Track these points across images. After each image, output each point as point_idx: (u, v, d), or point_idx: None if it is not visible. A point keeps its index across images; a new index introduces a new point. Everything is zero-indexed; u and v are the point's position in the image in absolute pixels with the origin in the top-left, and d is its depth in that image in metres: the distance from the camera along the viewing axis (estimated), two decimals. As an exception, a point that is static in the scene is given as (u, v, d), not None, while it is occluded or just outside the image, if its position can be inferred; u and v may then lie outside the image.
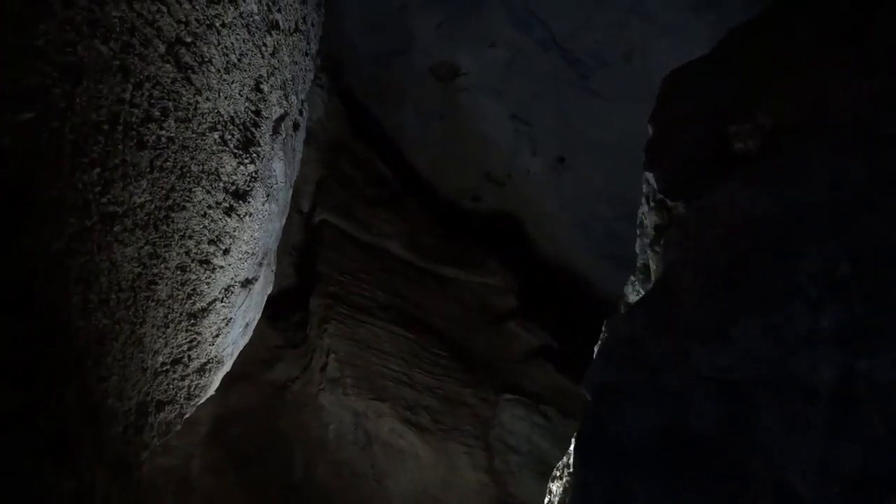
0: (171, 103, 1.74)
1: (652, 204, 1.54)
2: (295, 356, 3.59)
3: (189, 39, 1.78)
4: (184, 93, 1.79)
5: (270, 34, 2.28)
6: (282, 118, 2.46)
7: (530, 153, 4.75)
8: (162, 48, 1.68)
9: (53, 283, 1.39)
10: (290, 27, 2.48)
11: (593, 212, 4.69)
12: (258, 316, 2.57)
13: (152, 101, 1.67)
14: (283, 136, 2.50)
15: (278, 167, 2.49)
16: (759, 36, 1.65)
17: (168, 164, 1.76)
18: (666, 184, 1.48)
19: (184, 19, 1.74)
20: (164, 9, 1.65)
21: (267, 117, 2.29)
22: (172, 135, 1.76)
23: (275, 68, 2.34)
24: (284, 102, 2.47)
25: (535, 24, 4.61)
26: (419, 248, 4.12)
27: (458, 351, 3.71)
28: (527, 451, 3.39)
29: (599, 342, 1.49)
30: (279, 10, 2.36)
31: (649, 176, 1.57)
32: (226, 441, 3.13)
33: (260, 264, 2.40)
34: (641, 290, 1.61)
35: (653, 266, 1.53)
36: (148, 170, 1.68)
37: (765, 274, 1.11)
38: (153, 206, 1.72)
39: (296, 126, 2.68)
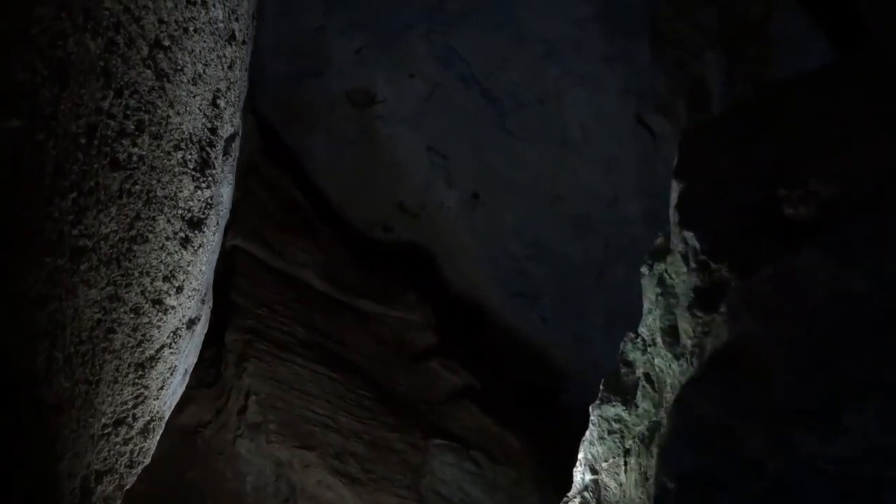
0: (146, 116, 1.43)
1: (693, 265, 1.46)
2: (207, 397, 3.17)
3: (167, 43, 1.48)
4: (159, 104, 1.48)
5: (230, 45, 1.99)
6: (232, 137, 2.15)
7: (446, 186, 4.64)
8: (145, 50, 1.37)
9: (23, 342, 1.04)
10: (242, 38, 2.19)
11: (505, 249, 4.66)
12: (195, 360, 2.21)
13: (128, 111, 1.36)
14: (232, 157, 2.19)
15: (226, 192, 2.17)
16: (801, 95, 1.64)
17: (136, 187, 1.44)
18: (708, 245, 1.41)
19: (165, 19, 1.44)
20: (150, 4, 1.35)
21: (221, 136, 1.98)
22: (144, 153, 1.44)
23: (231, 82, 2.04)
24: (235, 120, 2.17)
25: (456, 60, 4.54)
26: (335, 279, 3.86)
27: (381, 391, 3.47)
28: (459, 501, 3.21)
29: (669, 415, 1.35)
30: (237, 20, 2.07)
31: (688, 235, 1.49)
32: (127, 498, 2.66)
33: (203, 301, 2.07)
34: (669, 354, 1.53)
35: (689, 330, 1.44)
36: (118, 194, 1.36)
37: (871, 357, 1.06)
38: (118, 237, 1.39)
39: (239, 146, 2.37)
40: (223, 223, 2.20)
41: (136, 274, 1.49)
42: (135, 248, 1.46)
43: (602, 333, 4.56)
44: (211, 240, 1.97)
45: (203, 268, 1.94)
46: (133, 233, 1.45)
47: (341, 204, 4.79)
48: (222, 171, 2.05)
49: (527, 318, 4.63)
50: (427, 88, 4.57)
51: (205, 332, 2.28)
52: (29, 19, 0.98)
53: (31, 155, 1.03)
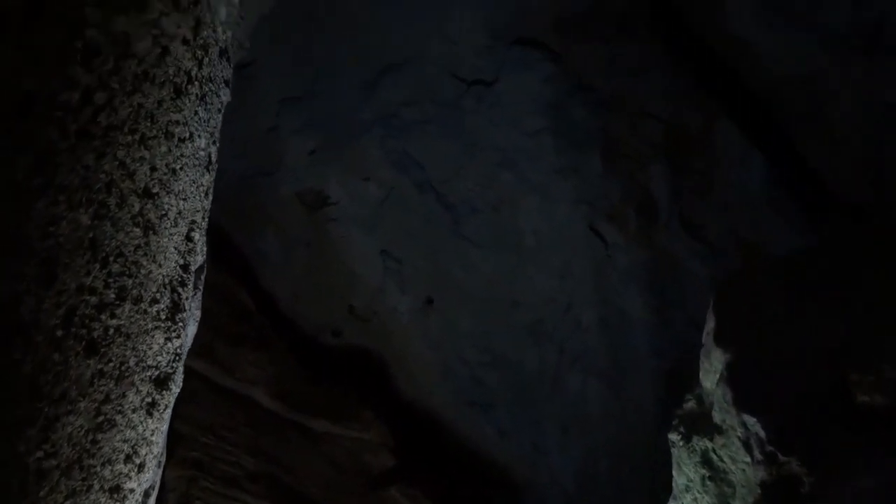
0: (129, 280, 1.18)
1: (759, 457, 1.31)
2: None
3: (156, 190, 1.25)
4: (143, 263, 1.24)
5: (208, 171, 1.77)
6: (201, 269, 1.90)
7: (399, 291, 4.44)
8: (136, 206, 1.14)
9: None
10: (216, 159, 1.98)
11: (459, 356, 4.45)
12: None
13: (110, 279, 1.12)
14: (200, 289, 1.93)
15: (191, 331, 1.89)
16: (860, 264, 1.56)
17: (109, 366, 1.17)
18: (775, 434, 1.27)
19: (157, 165, 1.22)
20: (146, 154, 1.13)
21: (191, 271, 1.73)
22: (122, 322, 1.19)
23: (206, 211, 1.81)
24: (204, 248, 1.92)
25: (411, 165, 4.44)
26: (287, 395, 3.53)
27: (339, 527, 3.12)
28: None
29: None
30: (215, 142, 1.87)
31: (749, 421, 1.35)
32: None
33: (160, 464, 1.74)
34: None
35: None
36: (89, 383, 1.09)
37: None
38: (82, 432, 1.11)
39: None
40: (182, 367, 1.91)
41: (98, 468, 1.19)
42: (99, 437, 1.18)
43: (558, 444, 4.37)
44: (176, 393, 1.68)
45: (164, 427, 1.64)
46: (100, 420, 1.17)
47: (292, 308, 4.49)
48: (190, 309, 1.78)
49: (482, 428, 4.40)
50: (382, 192, 4.43)
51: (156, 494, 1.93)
52: (28, 212, 0.75)
53: (4, 388, 0.77)
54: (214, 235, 4.46)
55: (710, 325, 1.68)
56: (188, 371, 3.43)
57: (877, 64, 4.18)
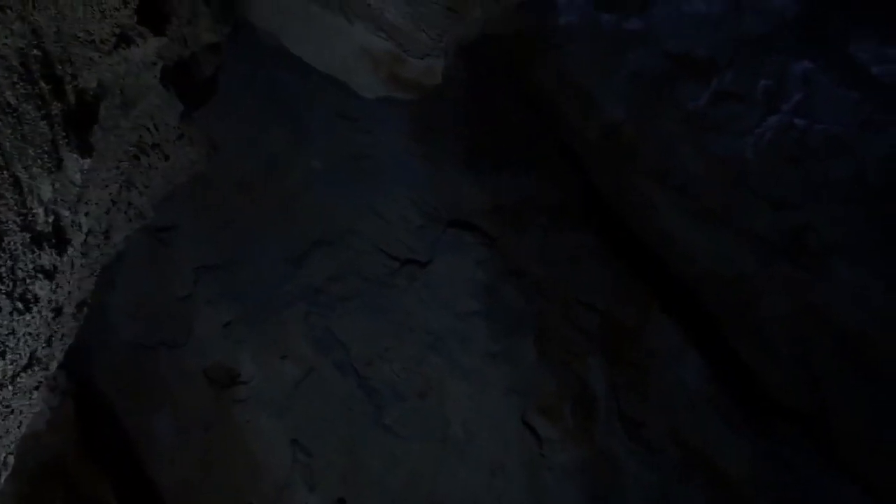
0: None
1: None
2: None
3: None
4: None
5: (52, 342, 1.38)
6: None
7: (307, 489, 3.86)
8: None
9: None
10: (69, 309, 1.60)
11: (371, 569, 3.80)
12: None
13: None
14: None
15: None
16: None
17: None
18: None
19: None
20: None
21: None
22: None
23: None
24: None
25: (333, 344, 4.08)
26: None
27: None
28: None
29: None
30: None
31: None
32: None
33: None
34: None
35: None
36: None
37: None
38: None
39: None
40: None
41: None
42: None
43: None
44: None
45: None
46: None
47: (179, 501, 3.82)
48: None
49: None
50: (299, 372, 4.01)
51: None
52: None
53: None
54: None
55: None
56: None
57: (802, 267, 4.21)
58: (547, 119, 4.88)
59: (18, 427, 1.44)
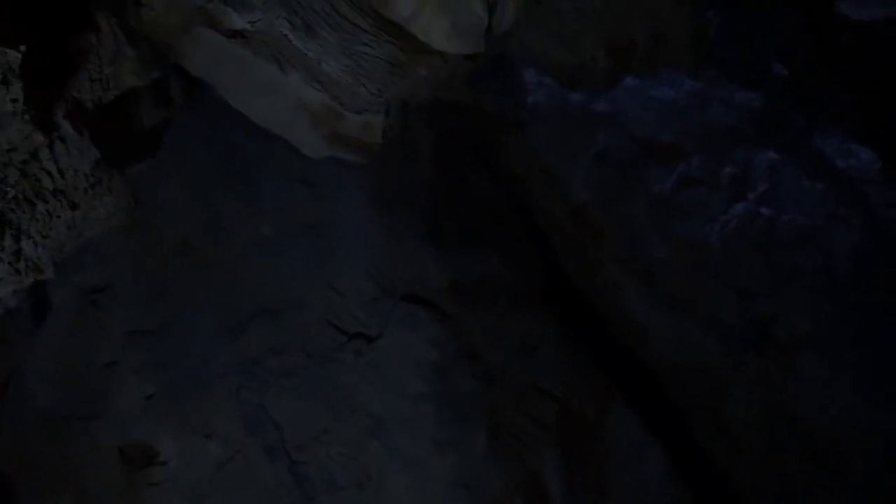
0: None
1: None
2: None
3: None
4: None
5: None
6: None
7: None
8: None
9: None
10: None
11: None
12: None
13: None
14: None
15: None
16: None
17: None
18: None
19: None
20: None
21: None
22: None
23: None
24: None
25: (266, 424, 3.72)
26: None
27: None
28: None
29: None
30: None
31: None
32: None
33: None
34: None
35: None
36: None
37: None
38: None
39: None
40: None
41: None
42: None
43: None
44: None
45: None
46: None
47: None
48: None
49: None
50: (224, 454, 3.61)
51: None
52: None
53: None
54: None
55: None
56: None
57: (770, 360, 4.01)
58: (512, 196, 4.75)
59: None
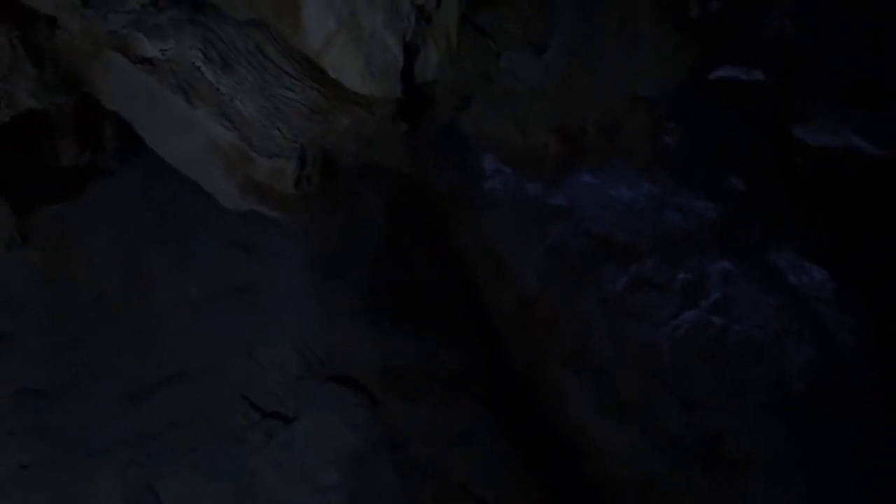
0: None
1: None
2: None
3: None
4: None
5: None
6: None
7: None
8: None
9: None
10: None
11: None
12: None
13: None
14: None
15: None
16: None
17: None
18: None
19: None
20: None
21: None
22: None
23: None
24: None
25: (153, 506, 3.27)
26: None
27: None
28: None
29: None
30: None
31: None
32: None
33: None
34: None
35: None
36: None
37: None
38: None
39: None
40: None
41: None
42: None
43: None
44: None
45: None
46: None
47: None
48: None
49: None
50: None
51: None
52: None
53: None
54: None
55: None
56: None
57: (716, 479, 3.73)
58: (460, 280, 4.54)
59: None
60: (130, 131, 3.05)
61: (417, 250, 4.26)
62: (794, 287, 4.47)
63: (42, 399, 3.50)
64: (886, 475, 3.47)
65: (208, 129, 1.97)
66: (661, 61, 3.42)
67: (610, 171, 4.40)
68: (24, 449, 3.31)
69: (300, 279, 4.06)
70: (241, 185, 2.13)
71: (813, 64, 4.55)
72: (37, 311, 3.78)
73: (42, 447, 3.31)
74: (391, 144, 2.34)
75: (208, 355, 3.80)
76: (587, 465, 4.05)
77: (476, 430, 3.94)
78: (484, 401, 4.09)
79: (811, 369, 4.02)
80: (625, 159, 3.65)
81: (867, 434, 3.60)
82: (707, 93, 4.86)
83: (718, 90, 4.89)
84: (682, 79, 3.72)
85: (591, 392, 4.29)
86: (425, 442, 3.77)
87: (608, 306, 4.41)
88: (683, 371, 4.15)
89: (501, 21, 2.87)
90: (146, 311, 3.89)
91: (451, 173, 4.28)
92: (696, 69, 3.78)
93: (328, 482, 3.47)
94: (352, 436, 3.65)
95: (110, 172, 3.76)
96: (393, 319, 4.09)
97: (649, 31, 3.36)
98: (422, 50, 1.82)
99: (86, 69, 2.05)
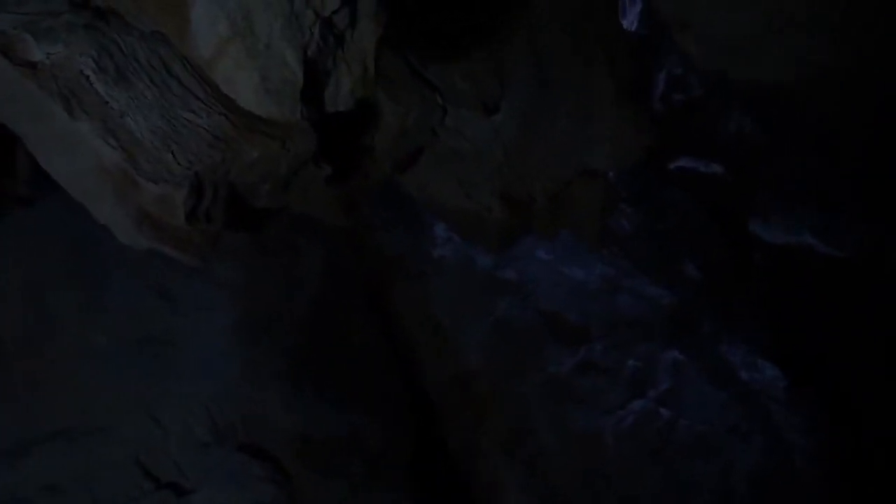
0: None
1: None
2: None
3: None
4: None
5: None
6: None
7: None
8: None
9: None
10: None
11: None
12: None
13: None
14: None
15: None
16: None
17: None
18: None
19: None
20: None
21: None
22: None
23: None
24: None
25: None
26: None
27: None
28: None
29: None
30: None
31: None
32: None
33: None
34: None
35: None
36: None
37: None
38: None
39: None
40: None
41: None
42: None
43: None
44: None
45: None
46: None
47: None
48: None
49: None
50: None
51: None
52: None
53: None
54: None
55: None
56: None
57: None
58: (397, 349, 4.24)
59: None
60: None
61: (354, 315, 3.96)
62: (745, 383, 4.25)
63: None
64: None
65: (95, 146, 1.72)
66: (618, 139, 3.30)
67: (562, 247, 4.22)
68: None
69: (221, 335, 3.71)
70: (133, 216, 1.86)
71: (771, 162, 4.53)
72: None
73: None
74: (318, 192, 2.12)
75: (105, 412, 3.38)
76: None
77: (397, 516, 3.54)
78: (409, 483, 3.71)
79: (759, 471, 3.75)
80: (576, 233, 3.48)
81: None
82: (665, 178, 4.81)
83: (676, 177, 4.85)
84: (639, 160, 3.59)
85: (527, 484, 3.95)
86: (339, 527, 3.36)
87: (553, 389, 4.13)
88: (627, 466, 3.85)
89: (452, 77, 2.72)
90: (47, 360, 3.48)
91: (400, 236, 4.06)
92: (654, 153, 3.68)
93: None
94: (256, 515, 3.22)
95: (22, 201, 3.45)
96: (318, 386, 3.73)
97: (608, 107, 3.25)
98: (332, 74, 1.64)
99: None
